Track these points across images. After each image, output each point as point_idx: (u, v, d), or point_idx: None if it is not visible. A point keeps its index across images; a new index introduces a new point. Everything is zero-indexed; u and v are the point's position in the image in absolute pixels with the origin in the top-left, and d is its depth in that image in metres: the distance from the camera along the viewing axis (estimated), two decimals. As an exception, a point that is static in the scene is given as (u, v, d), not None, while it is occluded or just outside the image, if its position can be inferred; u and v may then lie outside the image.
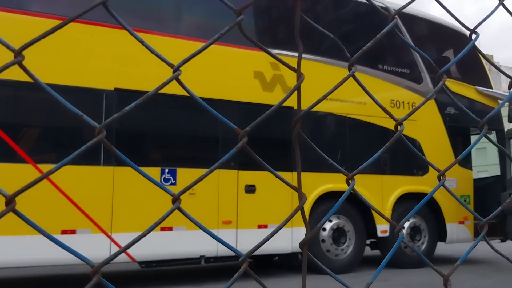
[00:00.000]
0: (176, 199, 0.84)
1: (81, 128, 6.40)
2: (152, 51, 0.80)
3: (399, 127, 1.03)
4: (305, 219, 0.86)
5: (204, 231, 0.85)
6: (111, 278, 7.48)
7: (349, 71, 0.97)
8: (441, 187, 1.16)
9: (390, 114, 1.01)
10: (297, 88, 0.85)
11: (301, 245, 0.85)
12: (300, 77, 0.84)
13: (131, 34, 0.78)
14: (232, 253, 6.78)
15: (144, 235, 0.74)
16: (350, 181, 0.93)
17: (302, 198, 0.85)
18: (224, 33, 0.84)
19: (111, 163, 6.13)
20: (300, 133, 0.87)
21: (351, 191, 0.96)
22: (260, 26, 8.20)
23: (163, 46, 6.71)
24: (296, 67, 0.86)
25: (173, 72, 0.79)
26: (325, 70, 7.85)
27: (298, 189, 0.86)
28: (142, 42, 0.78)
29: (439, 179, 1.11)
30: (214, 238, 0.88)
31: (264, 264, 8.94)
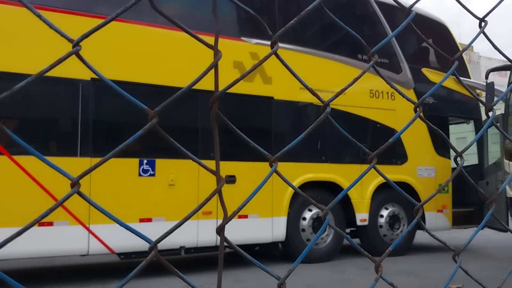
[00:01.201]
0: (75, 184, 0.80)
1: (57, 119, 6.32)
2: (50, 26, 0.76)
3: (326, 108, 1.02)
4: (223, 204, 0.83)
5: (114, 220, 0.82)
6: (90, 270, 7.45)
7: (271, 49, 0.94)
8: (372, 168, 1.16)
9: (317, 95, 1.00)
10: (214, 66, 0.82)
11: (218, 230, 0.82)
12: (217, 54, 0.81)
13: (30, 10, 0.73)
14: (213, 243, 6.79)
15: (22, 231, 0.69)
16: (272, 163, 0.91)
17: (220, 181, 0.82)
18: (129, 7, 0.78)
19: (88, 154, 6.06)
20: (218, 114, 0.84)
21: (276, 174, 0.93)
22: (239, 15, 8.14)
23: (139, 35, 6.63)
24: (213, 45, 0.82)
25: (73, 47, 0.75)
26: (302, 59, 7.84)
27: (216, 172, 0.83)
28: (39, 16, 0.73)
29: (370, 160, 1.12)
30: (122, 226, 0.84)
31: (248, 253, 8.95)
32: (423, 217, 8.77)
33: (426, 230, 1.28)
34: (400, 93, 1.19)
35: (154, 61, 6.62)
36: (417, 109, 1.17)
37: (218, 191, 0.82)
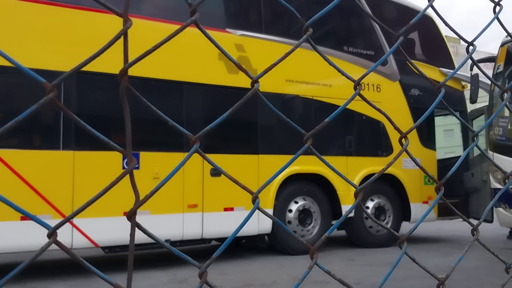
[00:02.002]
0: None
1: (39, 112, 6.22)
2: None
3: (254, 85, 0.99)
4: (134, 186, 0.78)
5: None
6: (74, 264, 7.37)
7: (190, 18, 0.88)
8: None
9: (246, 71, 0.96)
10: (123, 34, 0.77)
11: (129, 216, 0.78)
12: (126, 22, 0.76)
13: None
14: (199, 236, 6.76)
15: None
16: (194, 143, 0.88)
17: (131, 161, 0.77)
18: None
19: (71, 147, 5.98)
20: (128, 87, 0.79)
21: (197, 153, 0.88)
22: (224, 7, 8.06)
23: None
24: (123, 12, 0.77)
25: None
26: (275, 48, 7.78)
27: (127, 152, 0.78)
28: None
29: (305, 141, 1.09)
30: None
31: (233, 246, 8.95)
32: (408, 209, 8.82)
33: (367, 214, 1.25)
34: (341, 71, 1.15)
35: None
36: (357, 87, 1.15)
37: (129, 172, 0.76)
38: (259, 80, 0.97)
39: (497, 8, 1.41)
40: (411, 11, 9.46)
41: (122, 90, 0.76)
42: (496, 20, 1.43)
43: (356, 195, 1.16)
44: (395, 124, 1.25)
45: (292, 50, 1.02)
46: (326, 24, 8.50)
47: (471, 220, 9.63)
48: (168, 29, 6.69)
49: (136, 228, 0.82)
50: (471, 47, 1.39)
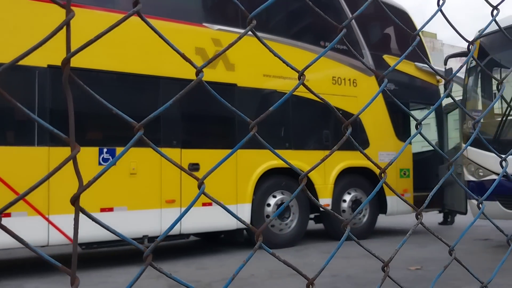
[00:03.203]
0: None
1: (13, 107, 6.10)
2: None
3: (199, 74, 1.01)
4: (78, 173, 0.79)
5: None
6: (44, 262, 7.27)
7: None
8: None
9: (191, 61, 0.98)
10: (66, 24, 0.77)
11: (73, 200, 0.79)
12: (69, 13, 0.77)
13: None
14: (177, 231, 6.74)
15: None
16: (138, 131, 0.90)
17: (74, 148, 0.78)
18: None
19: (45, 143, 5.89)
20: (71, 76, 0.80)
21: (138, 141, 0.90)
22: (201, 1, 8.02)
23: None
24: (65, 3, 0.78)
25: None
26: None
27: (70, 140, 0.79)
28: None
29: (251, 129, 1.12)
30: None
31: (211, 241, 8.95)
32: (384, 202, 8.93)
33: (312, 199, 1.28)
34: (284, 61, 1.17)
35: None
36: (301, 77, 1.18)
37: (72, 158, 0.77)
38: (203, 70, 0.99)
39: (441, 1, 1.45)
40: (384, 5, 9.52)
41: (65, 79, 0.77)
42: (440, 12, 1.47)
43: (300, 180, 1.18)
44: (339, 114, 1.29)
45: (235, 42, 1.04)
46: (303, 20, 8.53)
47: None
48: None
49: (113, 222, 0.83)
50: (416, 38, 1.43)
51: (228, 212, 1.07)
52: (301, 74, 1.12)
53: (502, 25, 1.67)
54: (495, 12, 1.62)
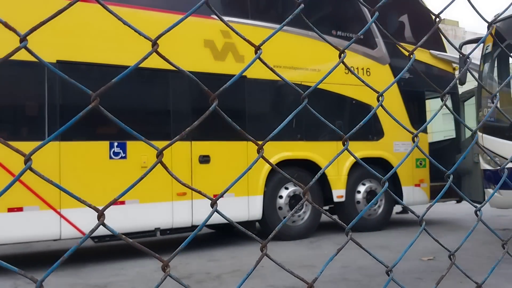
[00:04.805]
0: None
1: (23, 103, 6.12)
2: None
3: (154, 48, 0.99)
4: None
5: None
6: (63, 255, 7.31)
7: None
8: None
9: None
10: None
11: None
12: None
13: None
14: (188, 224, 6.71)
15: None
16: (92, 100, 0.86)
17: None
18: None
19: (56, 138, 5.88)
20: None
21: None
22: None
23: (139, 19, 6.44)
24: None
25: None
26: (276, 36, 7.73)
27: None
28: None
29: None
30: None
31: (225, 233, 8.93)
32: (400, 192, 8.80)
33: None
34: (136, 30, 1.06)
35: None
36: (154, 45, 1.08)
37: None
38: (27, 38, 0.94)
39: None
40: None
41: None
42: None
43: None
44: (295, 86, 1.24)
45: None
46: (316, 8, 8.40)
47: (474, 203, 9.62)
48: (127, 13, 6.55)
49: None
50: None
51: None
52: (154, 43, 1.02)
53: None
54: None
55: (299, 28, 8.00)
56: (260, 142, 1.03)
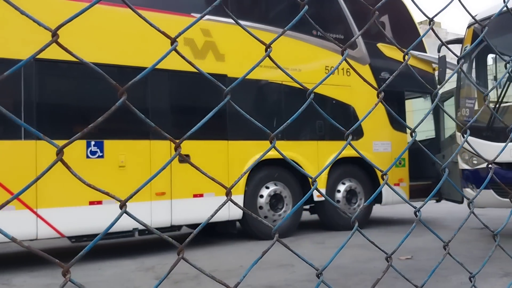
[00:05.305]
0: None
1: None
2: None
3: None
4: None
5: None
6: (38, 257, 7.21)
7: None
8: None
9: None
10: None
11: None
12: None
13: None
14: (167, 224, 6.66)
15: None
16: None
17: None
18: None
19: (32, 137, 5.79)
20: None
21: None
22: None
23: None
24: None
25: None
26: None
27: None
28: None
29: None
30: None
31: (205, 233, 8.88)
32: (380, 191, 8.82)
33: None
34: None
35: None
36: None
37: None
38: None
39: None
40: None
41: None
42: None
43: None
44: (213, 80, 1.22)
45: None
46: (296, 9, 8.40)
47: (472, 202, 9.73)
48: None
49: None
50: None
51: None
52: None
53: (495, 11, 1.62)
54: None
55: (280, 28, 7.99)
56: (177, 140, 1.00)
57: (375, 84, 9.01)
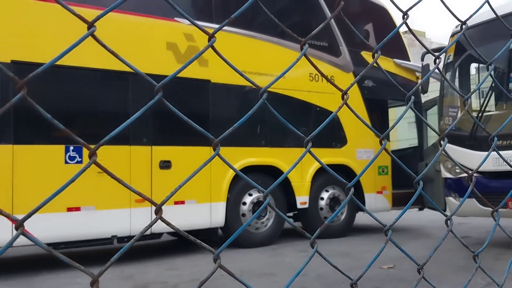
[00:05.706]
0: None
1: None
2: None
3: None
4: None
5: None
6: (16, 263, 7.04)
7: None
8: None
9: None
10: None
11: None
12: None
13: None
14: (147, 232, 6.53)
15: None
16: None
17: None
18: None
19: (9, 141, 5.65)
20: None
21: None
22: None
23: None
24: None
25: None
26: (240, 42, 7.71)
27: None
28: None
29: None
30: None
31: (187, 241, 8.76)
32: (363, 199, 8.83)
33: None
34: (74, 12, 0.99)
35: None
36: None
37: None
38: None
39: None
40: (363, 1, 9.49)
41: None
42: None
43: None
44: (144, 75, 1.16)
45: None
46: (283, 16, 8.38)
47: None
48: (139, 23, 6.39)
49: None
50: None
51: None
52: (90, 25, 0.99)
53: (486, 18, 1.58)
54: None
55: (262, 34, 7.97)
56: (92, 146, 0.92)
57: (358, 92, 9.02)
